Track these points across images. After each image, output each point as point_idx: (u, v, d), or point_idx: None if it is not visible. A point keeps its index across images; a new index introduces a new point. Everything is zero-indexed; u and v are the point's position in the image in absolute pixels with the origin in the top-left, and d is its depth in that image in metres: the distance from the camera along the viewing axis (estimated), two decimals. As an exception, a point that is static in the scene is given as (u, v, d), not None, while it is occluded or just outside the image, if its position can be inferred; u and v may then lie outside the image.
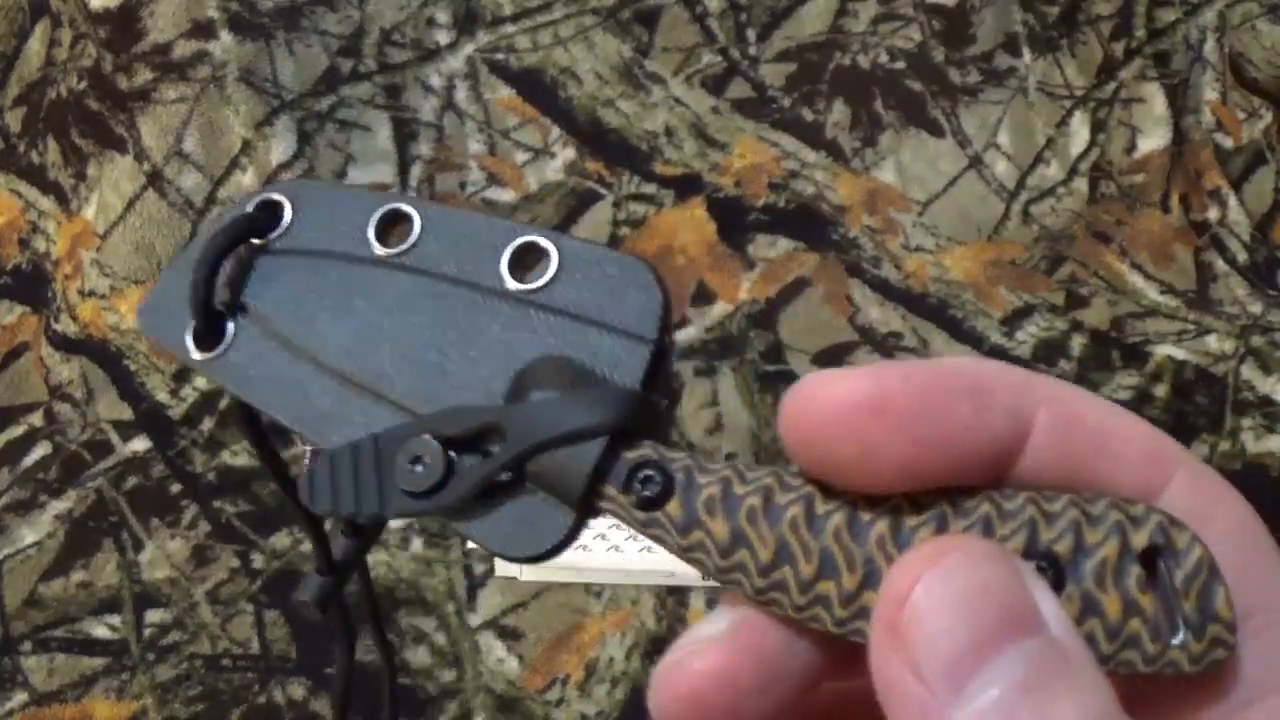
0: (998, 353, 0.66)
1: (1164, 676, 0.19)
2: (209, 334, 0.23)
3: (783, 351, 0.68)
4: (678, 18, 0.68)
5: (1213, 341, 0.65)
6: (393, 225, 0.23)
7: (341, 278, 0.23)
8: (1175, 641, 0.19)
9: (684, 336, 0.68)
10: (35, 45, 0.70)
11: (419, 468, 0.21)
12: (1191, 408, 0.65)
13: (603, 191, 0.67)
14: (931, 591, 0.18)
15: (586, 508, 0.20)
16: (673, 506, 0.19)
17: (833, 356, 0.68)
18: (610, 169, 0.67)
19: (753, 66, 0.68)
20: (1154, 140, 0.67)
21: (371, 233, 0.23)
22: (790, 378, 0.69)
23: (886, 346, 0.67)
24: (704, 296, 0.67)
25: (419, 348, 0.22)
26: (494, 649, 0.57)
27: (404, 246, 0.23)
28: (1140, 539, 0.19)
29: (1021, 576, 0.18)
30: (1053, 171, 0.67)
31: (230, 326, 0.23)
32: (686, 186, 0.67)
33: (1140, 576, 0.19)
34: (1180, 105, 0.67)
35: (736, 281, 0.67)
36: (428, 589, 0.58)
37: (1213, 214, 0.66)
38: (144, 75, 0.68)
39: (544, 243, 0.22)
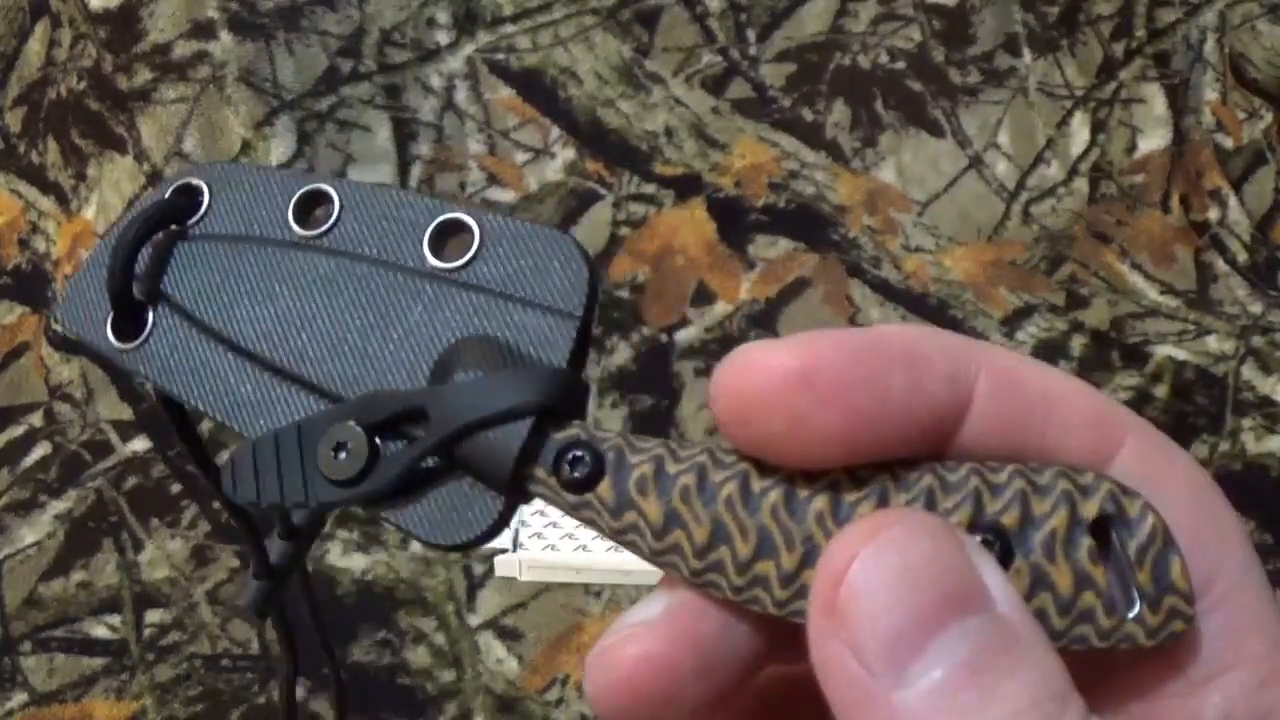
0: (998, 353, 0.66)
1: (1120, 652, 0.18)
2: (128, 324, 0.23)
3: (783, 352, 0.68)
4: (678, 18, 0.68)
5: (1213, 342, 0.65)
6: (313, 206, 0.23)
7: (261, 262, 0.22)
8: (1131, 615, 0.18)
9: (684, 336, 0.68)
10: (35, 45, 0.70)
11: (342, 455, 0.20)
12: (1191, 408, 0.65)
13: (603, 192, 0.67)
14: (869, 568, 0.17)
15: (515, 492, 0.19)
16: (604, 488, 0.19)
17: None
18: (610, 169, 0.67)
19: (753, 66, 0.68)
20: (1154, 140, 0.67)
21: (291, 214, 0.22)
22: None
23: (886, 347, 0.67)
24: (704, 296, 0.67)
25: (341, 331, 0.21)
26: (494, 649, 0.57)
27: (323, 228, 0.22)
28: (1090, 509, 0.18)
29: (965, 551, 0.17)
30: (1053, 172, 0.67)
31: (150, 317, 0.23)
32: (686, 186, 0.67)
33: (1091, 548, 0.18)
34: (1180, 105, 0.67)
35: (736, 281, 0.67)
36: (427, 589, 0.58)
37: (1213, 214, 0.66)
38: (144, 75, 0.68)
39: (465, 219, 0.21)
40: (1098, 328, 0.65)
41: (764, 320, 0.67)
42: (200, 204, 0.23)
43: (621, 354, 0.63)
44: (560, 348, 0.20)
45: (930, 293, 0.66)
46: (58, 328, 0.65)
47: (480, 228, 0.21)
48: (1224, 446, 0.64)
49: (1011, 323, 0.66)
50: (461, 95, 0.68)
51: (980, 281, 0.66)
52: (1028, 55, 0.68)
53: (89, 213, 0.67)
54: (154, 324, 0.23)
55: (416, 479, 0.20)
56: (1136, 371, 0.65)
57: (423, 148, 0.67)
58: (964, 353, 0.19)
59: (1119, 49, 0.68)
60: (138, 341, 0.23)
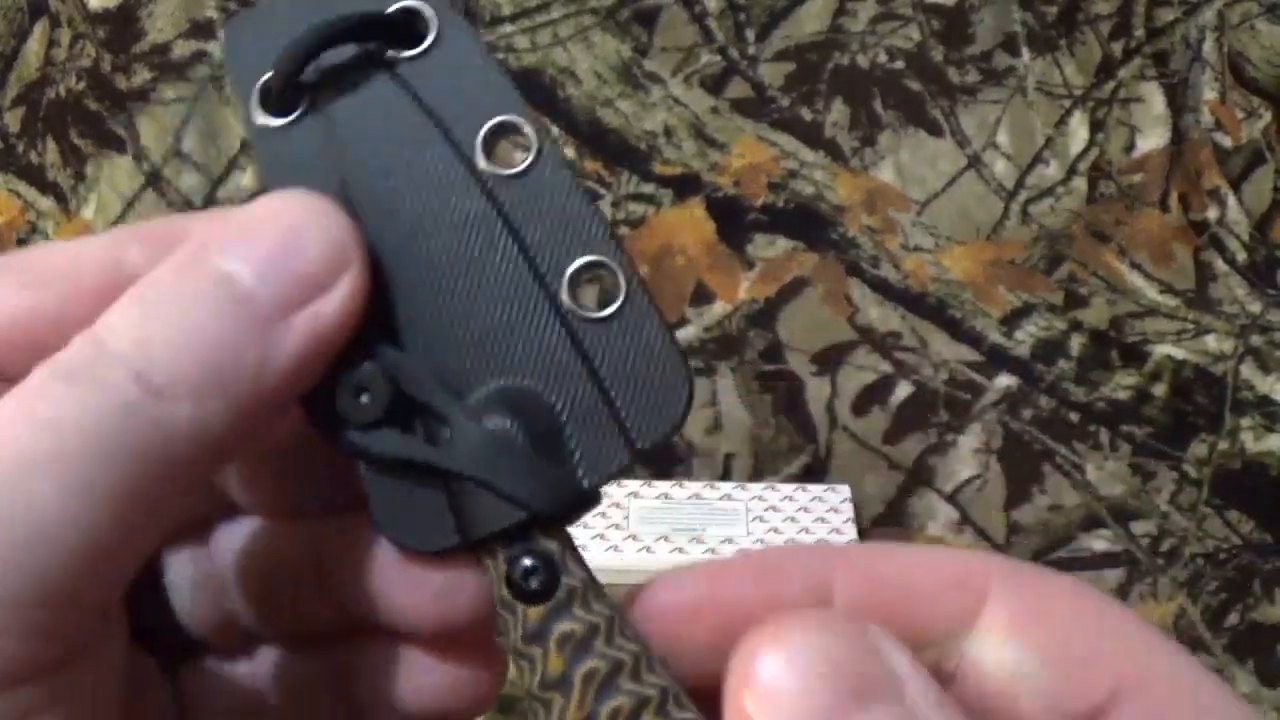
0: (997, 352, 0.66)
1: None
2: (276, 98, 0.20)
3: (782, 351, 0.68)
4: (677, 18, 0.68)
5: (1212, 341, 0.65)
6: (505, 137, 0.20)
7: (430, 158, 0.20)
8: None
9: (683, 336, 0.68)
10: (34, 45, 0.70)
11: (363, 398, 0.19)
12: (1191, 407, 0.65)
13: (602, 191, 0.67)
14: (777, 667, 0.17)
15: (469, 550, 0.19)
16: (534, 613, 0.19)
17: (832, 356, 0.68)
18: (609, 169, 0.67)
19: (752, 66, 0.68)
20: (1153, 140, 0.67)
21: (480, 137, 0.20)
22: (790, 377, 0.69)
23: (886, 346, 0.67)
24: (703, 296, 0.67)
25: (447, 279, 0.20)
26: (493, 649, 0.57)
27: (507, 172, 0.20)
28: None
29: (869, 640, 0.18)
30: (1052, 171, 0.67)
31: (299, 114, 0.20)
32: (685, 186, 0.67)
33: None
34: (1179, 105, 0.67)
35: (735, 281, 0.67)
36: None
37: (1212, 214, 0.66)
38: (143, 75, 0.68)
39: (621, 279, 0.20)
40: (1097, 327, 0.66)
41: (763, 320, 0.67)
42: (417, 41, 0.21)
43: (621, 354, 0.63)
44: (603, 467, 0.19)
45: (929, 292, 0.66)
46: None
47: (627, 295, 0.20)
48: (1223, 446, 0.64)
49: (1010, 322, 0.66)
50: (460, 95, 0.68)
51: (979, 281, 0.66)
52: (1026, 55, 0.68)
53: (88, 213, 0.67)
54: (299, 122, 0.20)
55: (408, 467, 0.19)
56: (1135, 371, 0.65)
57: (422, 147, 0.67)
58: (821, 559, 0.20)
59: (1118, 48, 0.68)
60: (275, 122, 0.21)
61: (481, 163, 0.20)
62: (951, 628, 0.21)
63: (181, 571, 0.23)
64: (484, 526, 0.19)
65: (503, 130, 0.20)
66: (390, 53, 0.21)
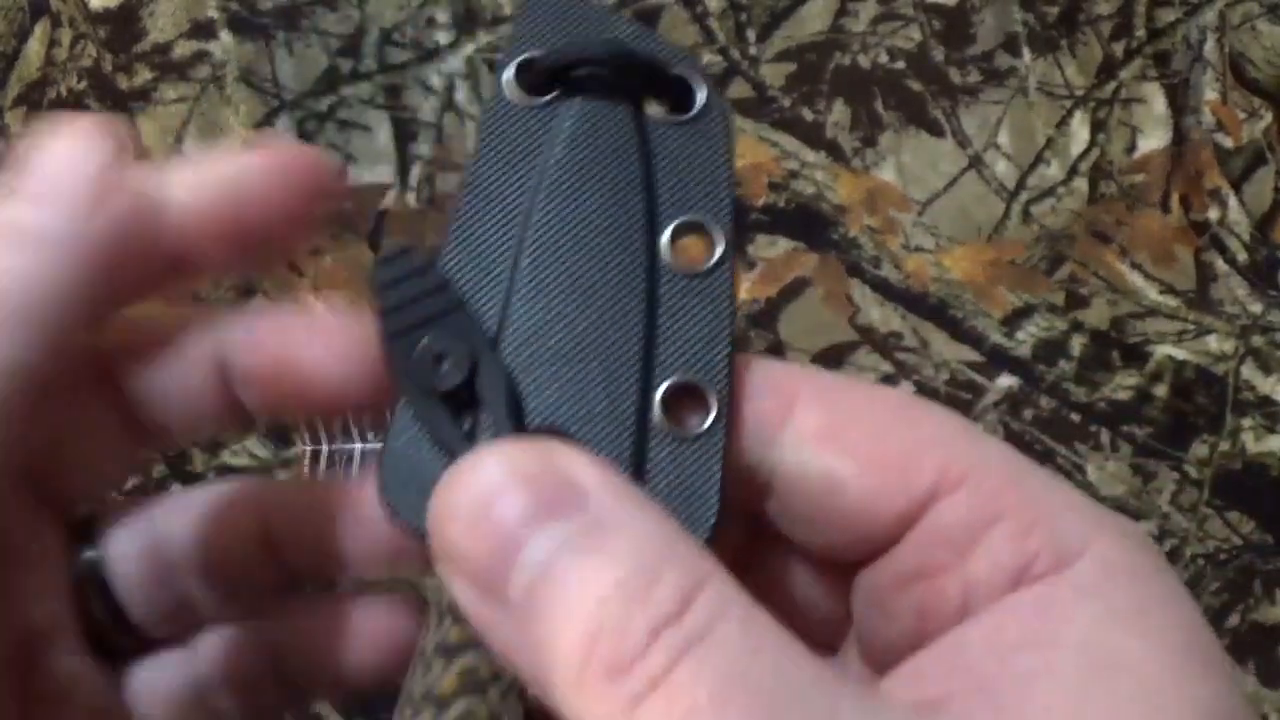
0: (998, 352, 0.66)
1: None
2: (530, 80, 0.21)
3: (783, 351, 0.68)
4: (677, 17, 0.68)
5: (1213, 341, 0.65)
6: (697, 234, 0.21)
7: (620, 211, 0.20)
8: None
9: (684, 336, 0.68)
10: (35, 45, 0.70)
11: (442, 365, 0.20)
12: (1191, 408, 0.65)
13: (603, 191, 0.67)
14: (452, 502, 0.18)
15: None
16: (456, 632, 0.20)
17: (833, 356, 0.68)
18: (610, 169, 0.67)
19: (753, 66, 0.68)
20: (1154, 140, 0.67)
21: (677, 223, 0.21)
22: (790, 378, 0.69)
23: (887, 347, 0.67)
24: (704, 296, 0.67)
25: (569, 325, 0.20)
26: (494, 649, 0.57)
27: (679, 263, 0.21)
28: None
29: (549, 458, 0.18)
30: (1053, 171, 0.67)
31: (541, 102, 0.21)
32: (686, 186, 0.67)
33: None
34: (1180, 105, 0.67)
35: (736, 281, 0.67)
36: (428, 589, 0.58)
37: (1213, 214, 0.66)
38: (144, 75, 0.68)
39: (714, 406, 0.20)
40: (1098, 327, 0.65)
41: (764, 320, 0.67)
42: (681, 108, 0.21)
43: (621, 354, 0.63)
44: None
45: (930, 292, 0.66)
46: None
47: (713, 423, 0.20)
48: (1224, 446, 0.64)
49: (1011, 322, 0.66)
50: (461, 95, 0.68)
51: (980, 281, 0.66)
52: (1028, 55, 0.68)
53: (89, 213, 0.67)
54: (533, 109, 0.21)
55: (435, 447, 0.20)
56: (1136, 371, 0.65)
57: (423, 148, 0.67)
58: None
59: (1119, 49, 0.68)
60: (516, 96, 0.21)
61: (664, 241, 0.21)
62: (759, 436, 0.21)
63: (125, 552, 0.23)
64: None
65: (698, 229, 0.21)
66: (648, 102, 0.21)
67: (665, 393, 0.20)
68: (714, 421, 0.20)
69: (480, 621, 0.18)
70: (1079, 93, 0.67)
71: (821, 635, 0.23)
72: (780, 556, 0.24)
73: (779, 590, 0.23)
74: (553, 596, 0.17)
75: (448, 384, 0.19)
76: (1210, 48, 0.67)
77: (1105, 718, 0.18)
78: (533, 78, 0.21)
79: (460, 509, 0.18)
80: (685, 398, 0.20)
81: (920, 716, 0.18)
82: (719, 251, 0.21)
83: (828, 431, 0.21)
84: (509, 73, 0.21)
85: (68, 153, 0.21)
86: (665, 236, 0.21)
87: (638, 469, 0.20)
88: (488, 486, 0.18)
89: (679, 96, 0.22)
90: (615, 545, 0.18)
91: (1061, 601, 0.19)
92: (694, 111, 0.22)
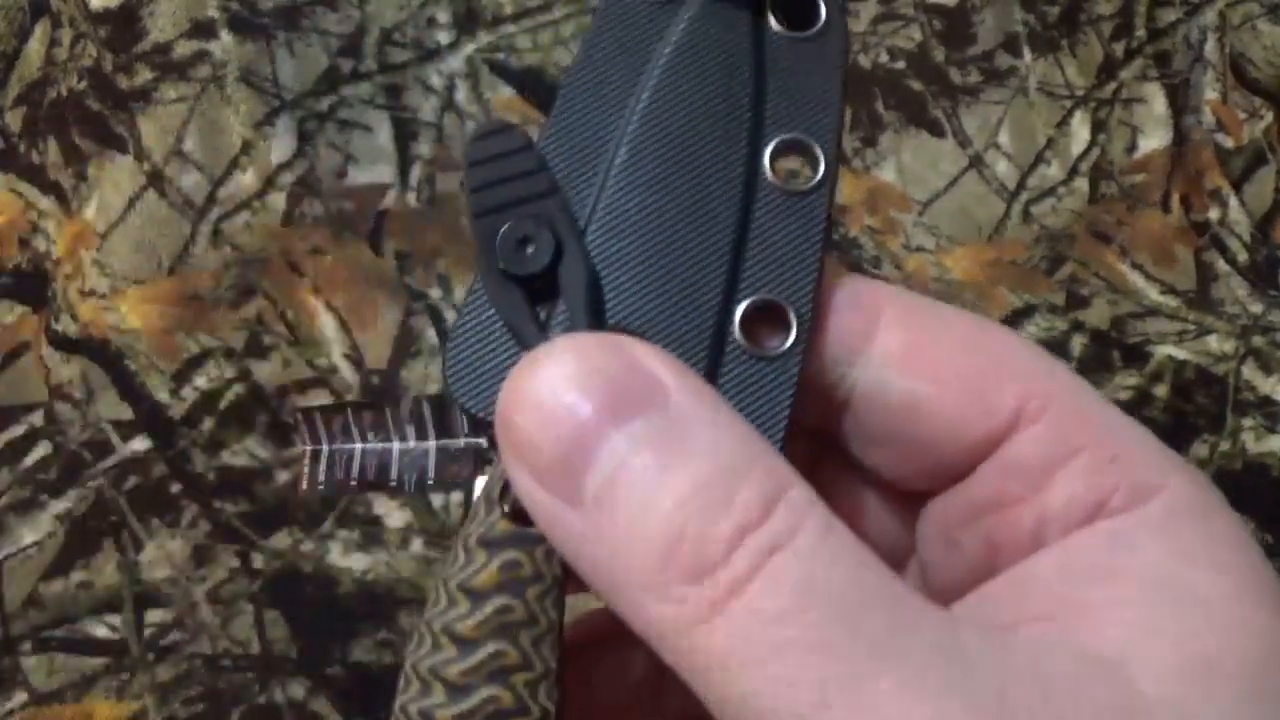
0: (998, 353, 0.66)
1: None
2: None
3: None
4: (678, 18, 0.68)
5: (1213, 342, 0.65)
6: (799, 153, 0.21)
7: (726, 119, 0.20)
8: None
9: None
10: (35, 45, 0.70)
11: (527, 250, 0.19)
12: (1192, 408, 0.65)
13: (603, 191, 0.67)
14: (538, 384, 0.18)
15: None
16: (503, 525, 0.19)
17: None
18: (610, 169, 0.67)
19: (753, 66, 0.68)
20: (1154, 140, 0.67)
21: (780, 139, 0.20)
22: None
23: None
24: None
25: (656, 229, 0.20)
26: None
27: (778, 181, 0.21)
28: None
29: (629, 352, 0.18)
30: (1053, 171, 0.67)
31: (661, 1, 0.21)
32: (687, 186, 0.67)
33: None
34: (1181, 105, 0.67)
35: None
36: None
37: (1213, 214, 0.66)
38: (144, 75, 0.68)
39: (794, 330, 0.20)
40: (1098, 327, 0.65)
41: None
42: (801, 24, 0.21)
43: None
44: None
45: (931, 292, 0.66)
46: None
47: (794, 342, 0.20)
48: (1224, 446, 0.64)
49: (1012, 322, 0.66)
50: (462, 95, 0.68)
51: (981, 281, 0.66)
52: (1028, 55, 0.68)
53: (89, 213, 0.67)
54: (650, 5, 0.21)
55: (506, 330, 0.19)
56: (1137, 371, 0.65)
57: (423, 147, 0.67)
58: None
59: (1119, 49, 0.68)
60: None
61: (766, 155, 0.20)
62: (841, 352, 0.21)
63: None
64: None
65: (802, 148, 0.20)
66: (771, 17, 0.21)
67: (747, 308, 0.20)
68: (792, 344, 0.20)
69: (546, 519, 0.18)
70: (1079, 93, 0.67)
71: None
72: (848, 481, 0.23)
73: (844, 515, 0.23)
74: (630, 497, 0.17)
75: (528, 269, 0.19)
76: (1211, 48, 0.67)
77: (1175, 645, 0.18)
78: None
79: (532, 400, 0.18)
80: (767, 315, 0.20)
81: (988, 631, 0.18)
82: (821, 173, 0.20)
83: (911, 353, 0.21)
84: None
85: None
86: (768, 151, 0.20)
87: (709, 381, 0.20)
88: (563, 378, 0.17)
89: (803, 11, 0.21)
90: (696, 446, 0.17)
91: (1133, 536, 0.19)
92: (814, 30, 0.21)
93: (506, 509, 0.19)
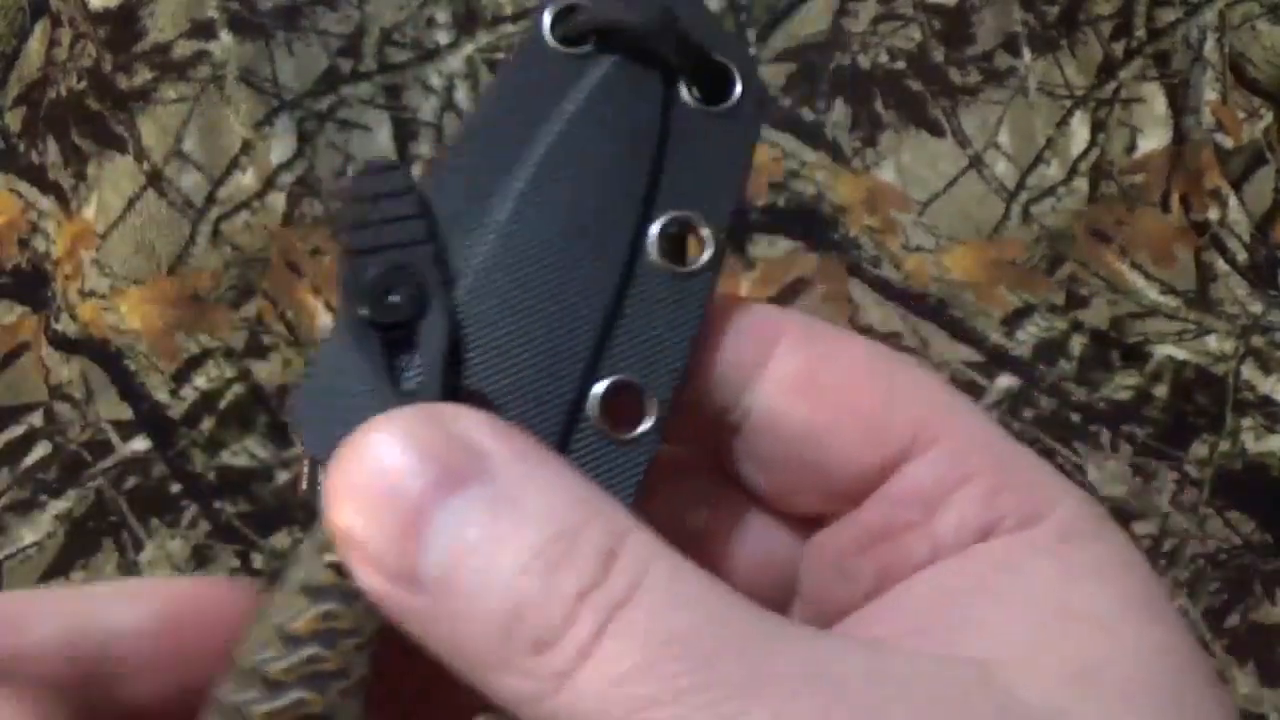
0: (998, 352, 0.66)
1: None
2: (566, 30, 0.20)
3: (783, 351, 0.68)
4: (678, 18, 0.68)
5: (1213, 341, 0.65)
6: (690, 231, 0.20)
7: (616, 188, 0.19)
8: None
9: (684, 336, 0.68)
10: (35, 45, 0.70)
11: (390, 298, 0.18)
12: (1192, 408, 0.65)
13: (603, 191, 0.67)
14: (346, 483, 0.17)
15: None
16: (329, 565, 0.19)
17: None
18: (610, 169, 0.67)
19: (753, 66, 0.68)
20: (1154, 140, 0.67)
21: (671, 217, 0.20)
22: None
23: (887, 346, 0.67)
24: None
25: (522, 300, 0.19)
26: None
27: (663, 260, 0.20)
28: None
29: (451, 429, 0.17)
30: (1053, 171, 0.67)
31: (569, 52, 0.20)
32: (686, 186, 0.67)
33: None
34: (1180, 105, 0.67)
35: (736, 281, 0.67)
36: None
37: (1213, 214, 0.66)
38: (144, 75, 0.68)
39: (653, 413, 0.19)
40: (1098, 327, 0.65)
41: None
42: (712, 97, 0.20)
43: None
44: None
45: (930, 292, 0.66)
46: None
47: (651, 428, 0.20)
48: (1224, 446, 0.64)
49: (1011, 322, 0.66)
50: (462, 95, 0.68)
51: (980, 281, 0.66)
52: (1028, 55, 0.68)
53: (89, 213, 0.67)
54: (557, 58, 0.20)
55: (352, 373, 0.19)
56: (1136, 371, 0.65)
57: (423, 148, 0.67)
58: None
59: (1119, 49, 0.68)
60: (550, 41, 0.20)
61: (654, 230, 0.19)
62: (735, 378, 0.20)
63: None
64: None
65: (691, 227, 0.20)
66: (682, 83, 0.20)
67: (608, 388, 0.19)
68: (647, 430, 0.19)
69: (391, 607, 0.17)
70: (1079, 93, 0.67)
71: (770, 595, 0.23)
72: (741, 505, 0.23)
73: (735, 540, 0.23)
74: (468, 573, 0.16)
75: (389, 318, 0.18)
76: (1210, 48, 0.67)
77: (1057, 656, 0.18)
78: (571, 27, 0.20)
79: (357, 488, 0.17)
80: (627, 397, 0.19)
81: (861, 647, 0.18)
82: (706, 256, 0.20)
83: (805, 379, 0.20)
84: (549, 14, 0.20)
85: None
86: (656, 227, 0.20)
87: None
88: (385, 462, 0.17)
89: (716, 84, 0.21)
90: (528, 512, 0.17)
91: (1020, 556, 0.19)
92: (726, 105, 0.21)
93: (330, 559, 0.18)
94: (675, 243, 0.20)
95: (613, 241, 0.19)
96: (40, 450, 0.63)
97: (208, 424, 0.63)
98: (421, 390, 0.18)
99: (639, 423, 0.19)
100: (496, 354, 0.19)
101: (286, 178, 0.66)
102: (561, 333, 0.19)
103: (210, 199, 0.66)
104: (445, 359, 0.18)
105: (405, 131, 0.67)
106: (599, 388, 0.19)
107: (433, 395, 0.18)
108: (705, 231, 0.20)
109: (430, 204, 0.19)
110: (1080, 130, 0.67)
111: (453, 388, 0.19)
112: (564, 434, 0.19)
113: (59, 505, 0.61)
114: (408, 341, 0.19)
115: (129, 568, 0.60)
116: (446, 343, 0.18)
